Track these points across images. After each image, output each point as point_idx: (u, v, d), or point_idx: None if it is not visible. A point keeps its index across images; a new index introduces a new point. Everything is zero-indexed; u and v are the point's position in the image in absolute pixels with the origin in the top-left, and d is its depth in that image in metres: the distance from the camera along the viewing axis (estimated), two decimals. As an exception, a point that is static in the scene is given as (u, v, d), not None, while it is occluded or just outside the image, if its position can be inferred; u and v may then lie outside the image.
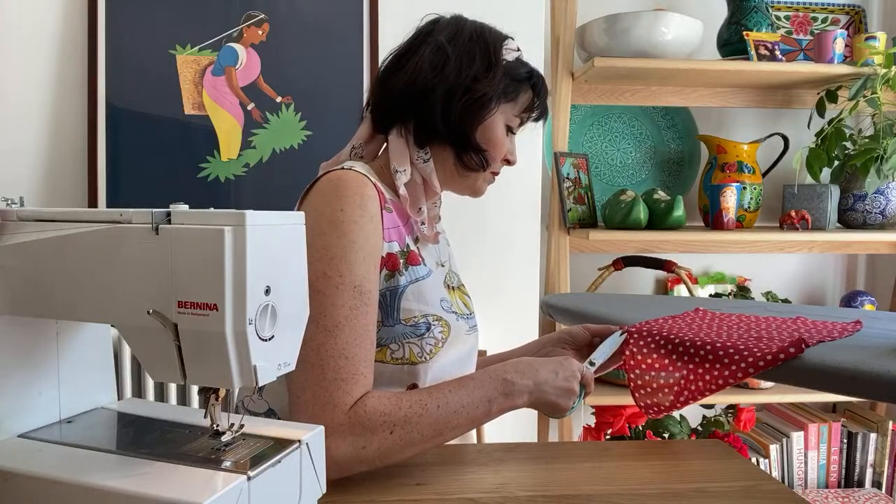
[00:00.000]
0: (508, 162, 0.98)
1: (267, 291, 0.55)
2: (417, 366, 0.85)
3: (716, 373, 0.85)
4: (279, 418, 0.87)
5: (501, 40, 0.93)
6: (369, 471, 0.77)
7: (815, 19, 2.22)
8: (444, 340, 0.88)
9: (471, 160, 0.92)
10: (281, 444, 0.60)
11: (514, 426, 1.80)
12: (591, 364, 0.93)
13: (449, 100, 0.89)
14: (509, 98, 0.93)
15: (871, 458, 2.01)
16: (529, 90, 0.95)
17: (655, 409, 0.91)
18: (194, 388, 1.62)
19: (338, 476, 0.75)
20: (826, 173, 1.99)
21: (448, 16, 0.95)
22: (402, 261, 0.87)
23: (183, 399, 1.63)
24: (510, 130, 0.96)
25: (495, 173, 0.98)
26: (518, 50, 0.94)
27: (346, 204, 0.81)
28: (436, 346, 0.87)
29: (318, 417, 0.74)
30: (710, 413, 1.91)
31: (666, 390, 0.90)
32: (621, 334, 0.97)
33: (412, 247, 0.91)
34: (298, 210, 0.85)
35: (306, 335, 0.76)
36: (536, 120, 0.99)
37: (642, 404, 0.92)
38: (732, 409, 1.93)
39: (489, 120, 0.91)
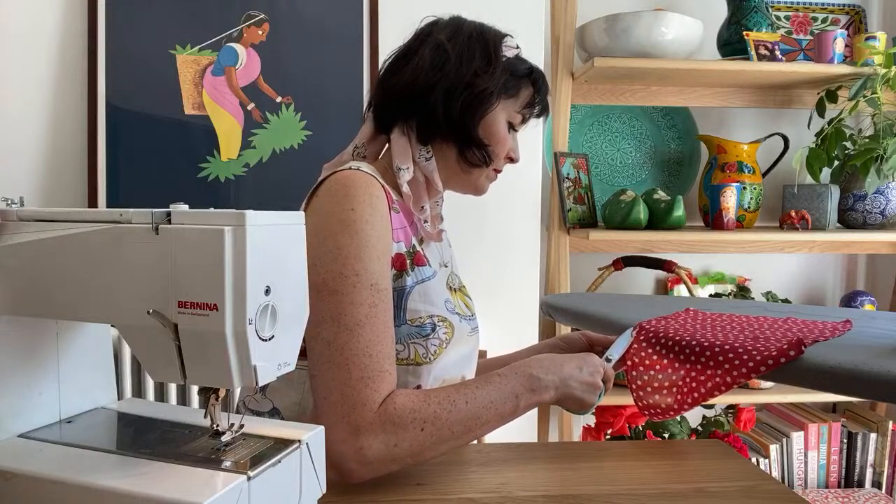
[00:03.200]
0: (511, 159, 0.98)
1: (267, 291, 0.55)
2: (421, 366, 0.85)
3: (717, 379, 0.85)
4: (283, 418, 0.87)
5: (500, 37, 0.94)
6: (400, 470, 0.77)
7: (815, 19, 2.22)
8: (448, 341, 0.88)
9: (474, 156, 0.93)
10: (281, 444, 0.60)
11: (514, 426, 1.79)
12: (608, 360, 0.93)
13: (450, 96, 0.89)
14: (510, 94, 0.94)
15: (871, 458, 2.01)
16: (530, 86, 0.96)
17: (655, 411, 0.91)
18: (194, 388, 1.62)
19: (371, 476, 0.75)
20: (826, 173, 1.99)
21: (447, 17, 0.96)
22: (409, 261, 0.88)
23: (183, 399, 1.63)
24: (512, 127, 0.96)
25: (498, 171, 0.99)
26: (517, 47, 0.95)
27: (357, 203, 0.81)
28: (440, 346, 0.87)
29: (348, 417, 0.74)
30: (710, 413, 1.91)
31: (664, 391, 0.90)
32: (633, 330, 0.97)
33: (418, 248, 0.91)
34: (304, 211, 0.85)
35: (328, 336, 0.76)
36: (538, 116, 1.00)
37: (641, 405, 0.92)
38: (732, 409, 1.93)
39: (490, 115, 0.92)
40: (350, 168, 0.87)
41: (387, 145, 0.97)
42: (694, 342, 0.89)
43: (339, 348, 0.76)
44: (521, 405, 0.82)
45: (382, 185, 0.86)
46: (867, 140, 1.85)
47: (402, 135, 0.93)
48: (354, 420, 0.74)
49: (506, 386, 0.81)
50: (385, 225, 0.83)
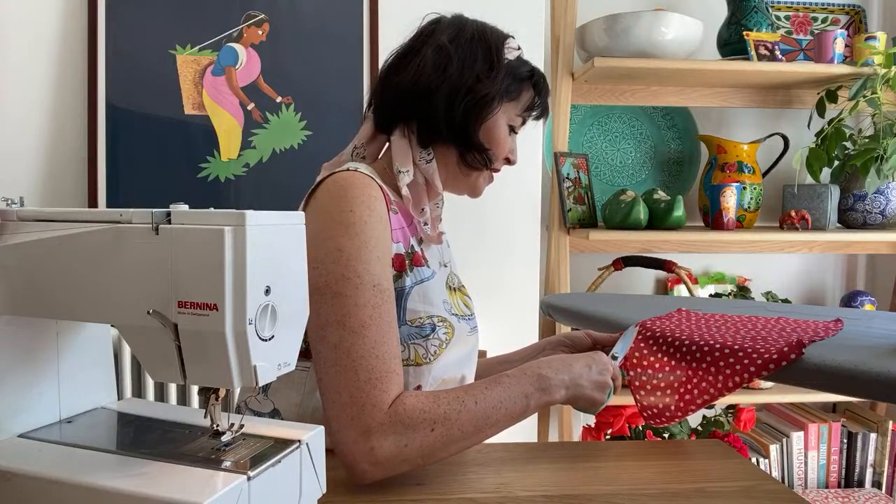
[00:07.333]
0: (509, 161, 0.98)
1: (267, 291, 0.55)
2: (422, 367, 0.85)
3: (720, 385, 0.85)
4: (283, 419, 0.87)
5: (503, 40, 0.94)
6: (411, 470, 0.77)
7: (815, 19, 2.22)
8: (448, 342, 0.88)
9: (474, 159, 0.93)
10: (281, 444, 0.60)
11: (514, 426, 1.79)
12: (614, 358, 0.93)
13: (452, 100, 0.89)
14: (511, 97, 0.94)
15: (871, 458, 2.01)
16: (531, 89, 0.96)
17: (654, 412, 0.90)
18: (194, 388, 1.62)
19: (382, 476, 0.75)
20: (826, 173, 1.99)
21: (449, 16, 0.96)
22: (407, 262, 0.87)
23: (183, 399, 1.63)
24: (512, 129, 0.96)
25: (495, 171, 0.99)
26: (519, 49, 0.95)
27: (356, 205, 0.81)
28: (440, 347, 0.87)
29: (359, 419, 0.74)
30: (710, 413, 1.91)
31: (665, 391, 0.90)
32: (636, 327, 0.97)
33: (416, 248, 0.91)
34: (303, 212, 0.85)
35: (334, 339, 0.76)
36: (538, 118, 0.99)
37: (641, 406, 0.92)
38: (732, 409, 1.93)
39: (492, 119, 0.92)
40: (348, 169, 0.87)
41: (386, 145, 0.97)
42: (693, 345, 0.89)
43: (345, 351, 0.76)
44: (532, 405, 0.82)
45: (381, 187, 0.86)
46: (867, 140, 1.85)
47: (403, 137, 0.93)
48: (365, 421, 0.74)
49: (515, 386, 0.81)
50: (384, 226, 0.83)
